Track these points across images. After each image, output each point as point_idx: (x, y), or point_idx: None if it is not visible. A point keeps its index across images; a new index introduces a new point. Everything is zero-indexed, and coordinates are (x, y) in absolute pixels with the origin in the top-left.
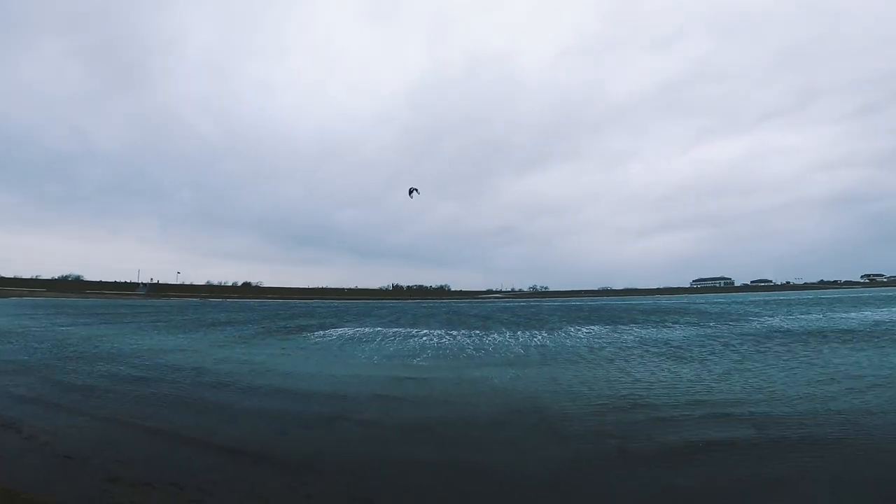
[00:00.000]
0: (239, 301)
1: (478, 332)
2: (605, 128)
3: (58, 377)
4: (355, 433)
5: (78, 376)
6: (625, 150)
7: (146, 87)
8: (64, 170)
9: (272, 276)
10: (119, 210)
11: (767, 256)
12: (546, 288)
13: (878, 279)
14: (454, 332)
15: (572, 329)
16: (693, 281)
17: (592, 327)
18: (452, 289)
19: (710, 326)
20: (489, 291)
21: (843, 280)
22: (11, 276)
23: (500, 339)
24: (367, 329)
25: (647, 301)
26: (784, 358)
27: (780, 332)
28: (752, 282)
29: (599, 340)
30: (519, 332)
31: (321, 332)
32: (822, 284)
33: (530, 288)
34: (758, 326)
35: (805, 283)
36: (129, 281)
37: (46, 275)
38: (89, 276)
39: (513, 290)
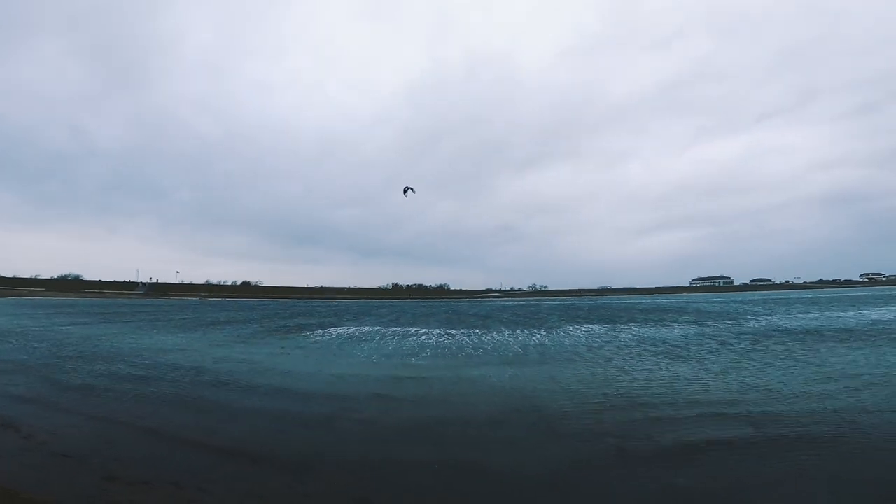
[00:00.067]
0: (238, 300)
1: (477, 331)
2: (605, 127)
3: (56, 376)
4: (354, 432)
5: (76, 376)
6: (624, 150)
7: (145, 86)
8: (63, 169)
9: (272, 275)
10: (118, 209)
11: (767, 256)
12: (545, 287)
13: (878, 278)
14: (453, 331)
15: (571, 328)
16: (692, 280)
17: (591, 326)
18: (452, 288)
19: (708, 325)
20: (488, 290)
21: (843, 279)
22: (11, 275)
23: (498, 338)
24: (366, 328)
25: (646, 300)
26: (781, 357)
27: (778, 331)
28: (751, 281)
29: (598, 339)
30: (518, 331)
31: (320, 332)
32: (821, 283)
33: (529, 287)
34: (756, 325)
35: (804, 283)
36: (128, 280)
37: (46, 274)
38: (88, 275)
39: (512, 290)
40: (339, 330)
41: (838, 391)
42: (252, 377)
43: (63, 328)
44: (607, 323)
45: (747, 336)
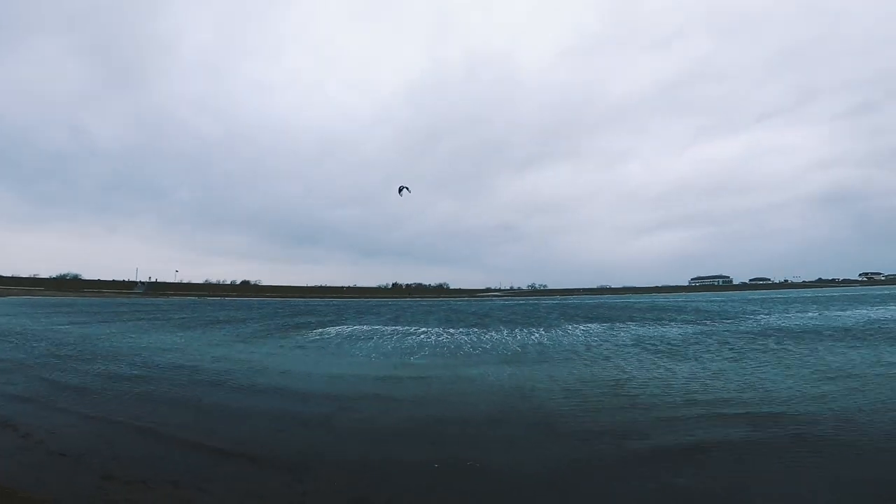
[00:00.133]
0: (238, 299)
1: (476, 330)
2: (605, 127)
3: (54, 376)
4: (353, 432)
5: (75, 375)
6: (624, 150)
7: (144, 86)
8: (63, 169)
9: (271, 274)
10: (118, 209)
11: (766, 255)
12: (545, 286)
13: (876, 277)
14: (452, 330)
15: (570, 327)
16: (692, 279)
17: (590, 325)
18: (451, 287)
19: (706, 324)
20: (488, 290)
21: (842, 278)
22: (9, 274)
23: (497, 336)
24: (365, 327)
25: (645, 299)
26: (779, 356)
27: (776, 330)
28: (750, 280)
29: (596, 338)
30: (517, 330)
31: (319, 331)
32: (820, 283)
33: (529, 286)
34: (754, 325)
35: (803, 282)
36: (127, 279)
37: (45, 274)
38: (88, 275)
39: (511, 289)
40: (338, 329)
41: (836, 391)
42: (251, 376)
43: (62, 327)
44: (606, 322)
45: (745, 335)
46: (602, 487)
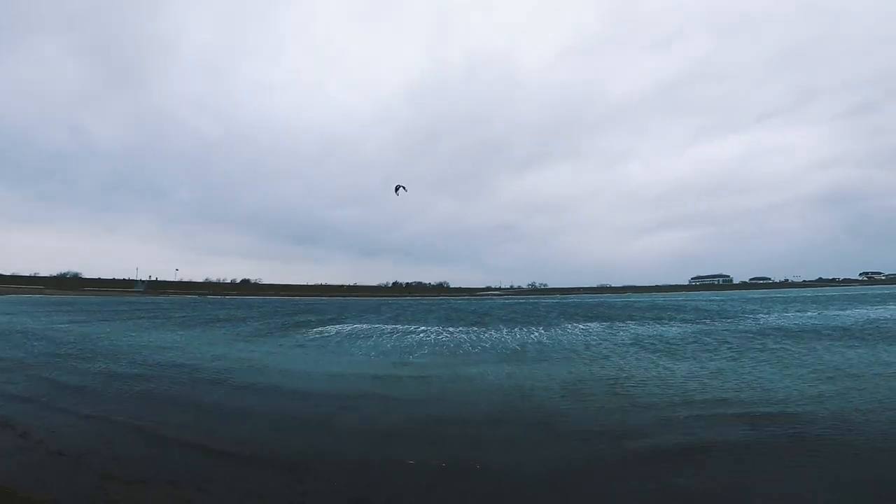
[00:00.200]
0: (238, 298)
1: (475, 329)
2: (605, 127)
3: (54, 375)
4: (353, 432)
5: (74, 374)
6: (624, 150)
7: (144, 86)
8: (63, 169)
9: (272, 273)
10: (118, 208)
11: (766, 254)
12: (545, 285)
13: (877, 277)
14: (452, 329)
15: (569, 326)
16: (692, 278)
17: (589, 324)
18: (451, 286)
19: (706, 324)
20: (488, 288)
21: (842, 278)
22: (10, 273)
23: (497, 335)
24: (365, 326)
25: (645, 298)
26: (778, 355)
27: (775, 329)
28: (750, 279)
29: (596, 337)
30: (516, 329)
31: (320, 329)
32: (821, 282)
33: (529, 285)
34: (753, 324)
35: (803, 281)
36: (127, 278)
37: (45, 272)
38: (88, 273)
39: (511, 287)
40: (338, 327)
41: (834, 390)
42: (251, 375)
43: (62, 326)
44: (605, 321)
45: (744, 334)
46: (602, 487)
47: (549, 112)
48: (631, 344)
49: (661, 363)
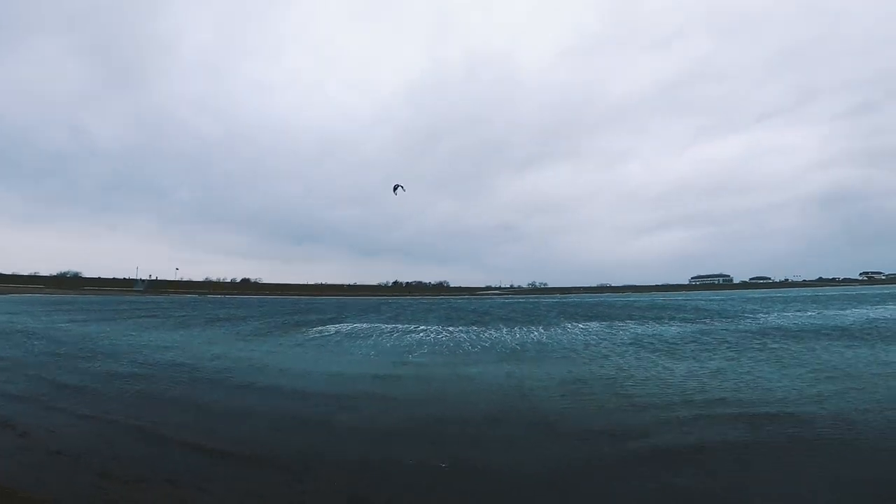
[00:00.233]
0: (238, 297)
1: (475, 328)
2: (605, 127)
3: (53, 375)
4: (352, 431)
5: (74, 374)
6: (624, 150)
7: (144, 86)
8: (63, 168)
9: (272, 273)
10: (118, 207)
11: (766, 254)
12: (545, 284)
13: (877, 277)
14: (451, 328)
15: (569, 325)
16: (692, 278)
17: (589, 324)
18: (451, 285)
19: (705, 323)
20: (488, 288)
21: (842, 277)
22: (10, 273)
23: (496, 335)
24: (365, 325)
25: (645, 298)
26: (778, 354)
27: (775, 329)
28: (750, 279)
29: (595, 337)
30: (516, 329)
31: (319, 328)
32: (821, 282)
33: (529, 284)
34: (753, 323)
35: (803, 281)
36: (127, 278)
37: (45, 272)
38: (88, 273)
39: (511, 287)
40: (338, 327)
41: (835, 390)
42: (250, 375)
43: (62, 325)
44: (605, 320)
45: (744, 334)
46: (602, 487)
47: (548, 112)
48: (630, 343)
49: (661, 363)
